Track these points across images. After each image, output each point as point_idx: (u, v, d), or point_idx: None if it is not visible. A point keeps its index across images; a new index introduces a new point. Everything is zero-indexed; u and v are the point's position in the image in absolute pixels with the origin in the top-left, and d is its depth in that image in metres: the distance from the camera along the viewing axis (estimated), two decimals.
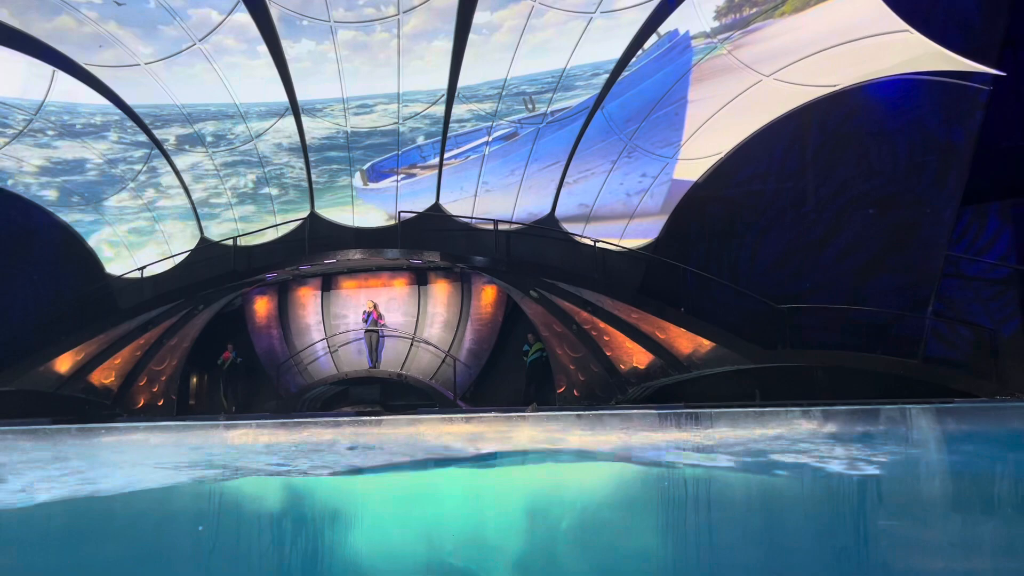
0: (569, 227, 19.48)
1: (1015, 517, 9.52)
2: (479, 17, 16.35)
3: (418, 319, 19.96)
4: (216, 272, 19.44)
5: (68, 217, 20.99)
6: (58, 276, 20.62)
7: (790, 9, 15.45)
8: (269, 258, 19.54)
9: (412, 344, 19.71)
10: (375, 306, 19.38)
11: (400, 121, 18.75)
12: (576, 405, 16.55)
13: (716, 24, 16.15)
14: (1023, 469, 9.89)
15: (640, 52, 16.90)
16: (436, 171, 19.49)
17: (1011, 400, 12.50)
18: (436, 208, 19.76)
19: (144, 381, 19.33)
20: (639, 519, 10.18)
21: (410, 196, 19.86)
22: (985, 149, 14.41)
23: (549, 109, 18.24)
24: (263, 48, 16.96)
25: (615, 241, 18.95)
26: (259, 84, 17.90)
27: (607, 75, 17.37)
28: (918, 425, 10.17)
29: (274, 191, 20.42)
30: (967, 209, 15.03)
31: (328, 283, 20.54)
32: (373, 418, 12.66)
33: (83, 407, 18.31)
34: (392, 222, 19.69)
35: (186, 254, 21.02)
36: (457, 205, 19.77)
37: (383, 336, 19.52)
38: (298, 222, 20.34)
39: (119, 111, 18.53)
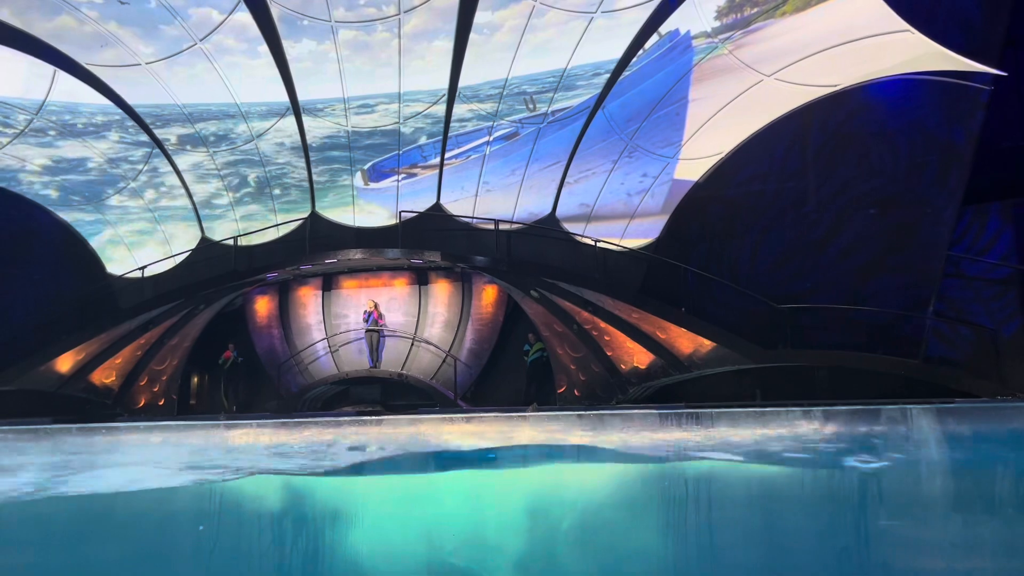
0: (570, 227, 19.48)
1: (1016, 517, 9.52)
2: (480, 17, 16.35)
3: (419, 319, 19.96)
4: (217, 272, 19.45)
5: (69, 217, 21.00)
6: (59, 276, 20.63)
7: (791, 9, 15.44)
8: (270, 258, 19.54)
9: (413, 344, 19.71)
10: (376, 306, 19.39)
11: (401, 121, 18.75)
12: (577, 405, 16.55)
13: (717, 24, 16.14)
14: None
15: (641, 52, 16.90)
16: (437, 171, 19.50)
17: (1012, 400, 12.49)
18: (437, 208, 19.77)
19: (145, 381, 19.34)
20: (642, 519, 10.18)
21: (411, 196, 19.87)
22: (986, 149, 14.40)
23: (550, 109, 18.24)
24: (264, 48, 16.96)
25: (616, 241, 18.95)
26: (260, 84, 17.90)
27: (608, 75, 17.37)
28: (919, 425, 10.17)
29: (275, 191, 20.42)
30: (968, 209, 15.02)
31: (329, 283, 20.55)
32: (374, 418, 12.66)
33: (84, 407, 18.32)
34: (393, 222, 19.69)
35: (187, 254, 21.03)
36: (458, 205, 19.77)
37: (384, 336, 19.52)
38: (299, 222, 20.34)
39: (120, 111, 18.53)
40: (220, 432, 12.58)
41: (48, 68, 17.45)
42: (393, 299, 20.07)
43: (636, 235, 19.15)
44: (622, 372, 17.04)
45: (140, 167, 20.16)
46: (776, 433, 10.82)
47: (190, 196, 20.55)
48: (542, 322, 17.62)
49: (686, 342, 16.19)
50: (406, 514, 10.58)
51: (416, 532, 10.16)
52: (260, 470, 11.80)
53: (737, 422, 11.00)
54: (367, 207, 20.37)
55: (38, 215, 20.59)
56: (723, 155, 17.42)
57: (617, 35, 16.61)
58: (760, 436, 10.91)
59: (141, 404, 19.31)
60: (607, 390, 17.01)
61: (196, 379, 20.53)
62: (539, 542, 9.97)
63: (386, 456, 11.76)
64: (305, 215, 20.30)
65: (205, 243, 20.96)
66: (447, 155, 19.21)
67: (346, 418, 13.39)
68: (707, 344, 15.89)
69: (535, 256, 18.69)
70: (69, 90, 17.95)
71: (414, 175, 19.92)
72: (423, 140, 19.19)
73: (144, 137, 19.24)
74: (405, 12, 16.29)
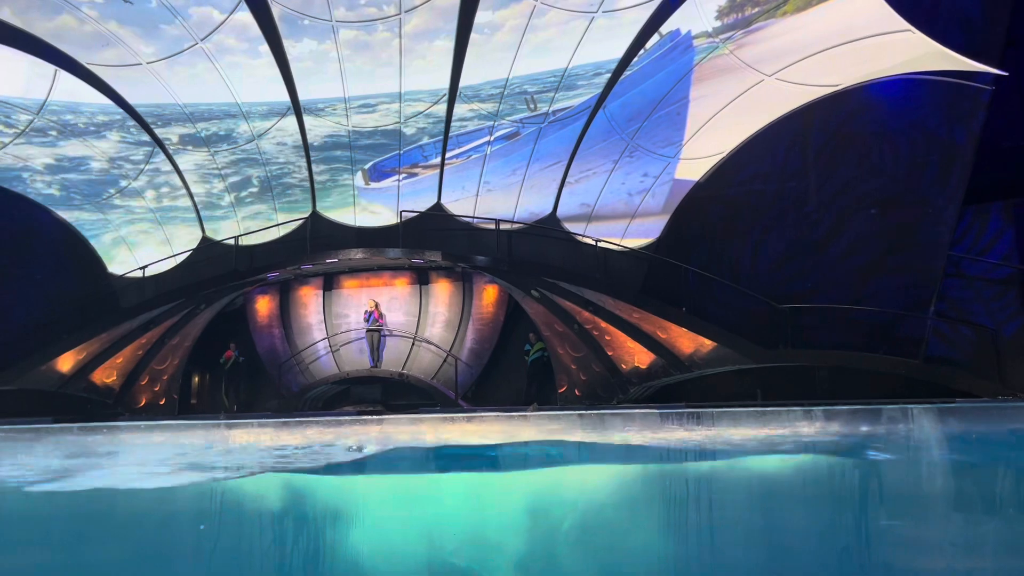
0: (571, 227, 19.48)
1: (1016, 517, 9.52)
2: (481, 16, 16.35)
3: (419, 318, 19.97)
4: (218, 271, 19.46)
5: (70, 216, 21.01)
6: (60, 275, 20.64)
7: (792, 9, 15.43)
8: (271, 257, 19.55)
9: (413, 343, 19.71)
10: (376, 305, 19.39)
11: (402, 121, 18.76)
12: (578, 405, 16.55)
13: (718, 24, 16.14)
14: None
15: (642, 52, 16.89)
16: (438, 170, 19.50)
17: (1013, 400, 12.49)
18: (438, 208, 19.77)
19: (146, 380, 19.35)
20: (642, 518, 10.19)
21: (412, 195, 19.87)
22: (987, 149, 14.40)
23: (551, 109, 18.24)
24: (265, 48, 16.97)
25: (617, 241, 18.95)
26: (261, 83, 17.91)
27: (609, 75, 17.37)
28: (919, 425, 10.17)
29: (276, 190, 20.43)
30: (969, 209, 15.03)
31: (330, 282, 20.55)
32: (374, 417, 12.67)
33: (85, 406, 18.33)
34: (394, 221, 19.69)
35: (188, 253, 21.04)
36: (459, 205, 19.77)
37: (384, 335, 19.53)
38: (300, 221, 20.35)
39: (121, 110, 18.54)
40: (221, 431, 12.59)
41: (49, 67, 17.46)
42: (394, 299, 20.07)
43: (637, 235, 19.16)
44: (623, 372, 17.04)
45: (141, 167, 20.17)
46: (777, 433, 10.83)
47: (191, 196, 20.56)
48: (543, 322, 17.62)
49: (687, 342, 16.20)
50: (406, 514, 10.58)
51: (416, 532, 10.16)
52: (261, 469, 11.80)
53: (738, 422, 11.00)
54: (368, 207, 20.38)
55: (39, 215, 20.60)
56: (724, 155, 17.43)
57: (618, 35, 16.60)
58: (761, 436, 10.91)
59: (142, 403, 19.32)
60: (608, 390, 17.01)
61: (197, 379, 20.53)
62: (540, 542, 9.97)
63: (387, 454, 11.76)
64: (306, 215, 20.30)
65: (206, 243, 20.97)
66: (448, 155, 19.21)
67: (347, 418, 13.40)
68: (708, 344, 15.89)
69: (536, 256, 18.69)
70: (70, 89, 17.96)
71: (415, 175, 19.93)
72: (424, 140, 19.19)
73: (145, 137, 19.24)
74: (406, 12, 16.29)
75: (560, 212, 19.48)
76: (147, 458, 11.79)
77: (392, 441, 11.80)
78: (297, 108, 18.45)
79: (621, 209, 19.26)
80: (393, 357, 19.57)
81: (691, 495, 10.19)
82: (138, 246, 21.58)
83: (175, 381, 19.39)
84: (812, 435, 10.67)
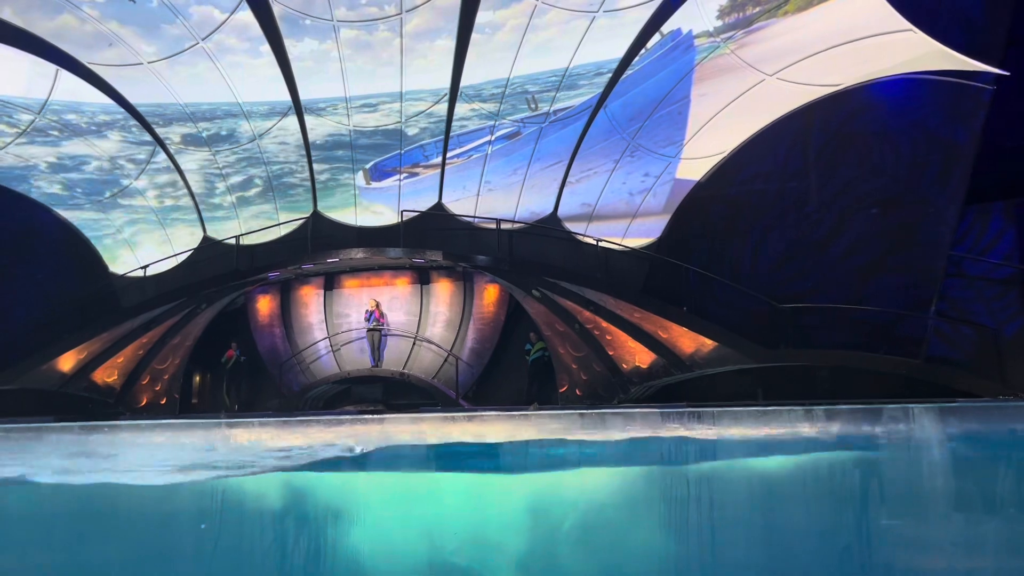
0: (572, 226, 19.49)
1: (1017, 516, 9.51)
2: (482, 16, 16.35)
3: (420, 318, 19.97)
4: (219, 271, 19.48)
5: (71, 215, 21.02)
6: (61, 275, 20.65)
7: (793, 8, 15.43)
8: (272, 257, 19.56)
9: (414, 343, 19.72)
10: (377, 305, 19.39)
11: (403, 120, 18.76)
12: (578, 404, 16.55)
13: (719, 23, 16.13)
14: None
15: (643, 51, 16.89)
16: (439, 170, 19.50)
17: (1014, 400, 12.48)
18: (439, 207, 19.77)
19: (147, 380, 19.36)
20: (643, 518, 10.19)
21: (413, 195, 19.87)
22: (989, 149, 14.38)
23: (552, 108, 18.23)
24: (266, 47, 16.97)
25: (618, 240, 18.95)
26: (262, 83, 17.91)
27: (610, 74, 17.36)
28: (920, 425, 10.16)
29: (277, 190, 20.43)
30: (970, 209, 15.02)
31: (331, 282, 20.56)
32: (375, 417, 12.67)
33: (86, 405, 18.33)
34: (395, 221, 19.69)
35: (189, 253, 21.05)
36: (460, 204, 19.77)
37: (385, 335, 19.53)
38: (301, 221, 20.36)
39: (122, 110, 18.54)
40: (222, 431, 12.59)
41: (50, 67, 17.47)
42: (395, 298, 20.07)
43: (638, 234, 19.16)
44: (624, 371, 17.04)
45: (142, 166, 20.18)
46: (777, 432, 10.82)
47: (192, 195, 20.57)
48: (544, 321, 17.62)
49: (688, 341, 16.20)
50: (407, 513, 10.58)
51: (417, 531, 10.16)
52: (261, 468, 11.81)
53: (739, 421, 11.00)
54: (369, 206, 20.38)
55: (40, 214, 20.61)
56: (725, 155, 17.43)
57: (619, 34, 16.60)
58: (763, 435, 10.91)
59: (143, 403, 19.33)
60: (609, 389, 17.01)
61: (198, 378, 20.54)
62: (540, 541, 9.97)
63: (383, 452, 11.76)
64: (307, 214, 20.31)
65: (207, 242, 20.98)
66: (449, 154, 19.21)
67: (347, 417, 13.40)
68: (709, 343, 15.89)
69: (537, 255, 18.69)
70: (71, 89, 17.97)
71: (416, 174, 19.93)
72: (426, 139, 19.20)
73: (146, 136, 19.24)
74: (407, 11, 16.29)
75: (561, 212, 19.48)
76: (147, 456, 11.80)
77: (391, 440, 11.80)
78: (298, 108, 18.46)
79: (622, 209, 19.26)
80: (394, 357, 19.58)
81: (692, 495, 10.19)
82: (139, 246, 21.59)
83: (176, 380, 19.40)
84: (813, 435, 10.66)
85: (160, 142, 19.40)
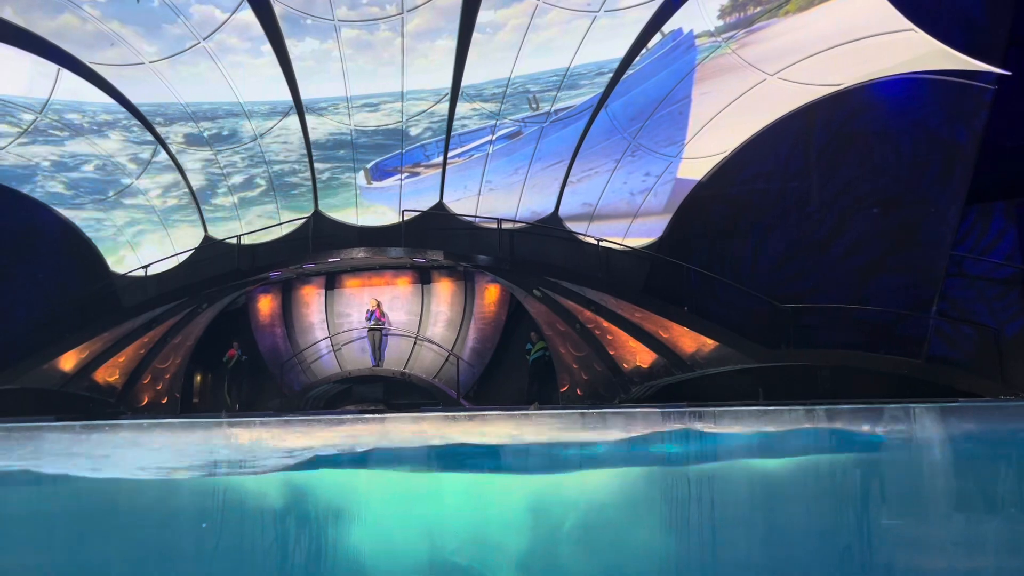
0: (573, 226, 19.48)
1: (1018, 517, 9.51)
2: (483, 16, 16.35)
3: (421, 318, 19.97)
4: (220, 270, 19.48)
5: (72, 215, 21.03)
6: (62, 274, 20.66)
7: (794, 8, 15.42)
8: (273, 256, 19.57)
9: (415, 343, 19.72)
10: (378, 304, 19.40)
11: (404, 120, 18.76)
12: (579, 404, 16.55)
13: (720, 23, 16.13)
14: None
15: (644, 51, 16.89)
16: (440, 170, 19.50)
17: (1015, 400, 12.48)
18: (440, 207, 19.77)
19: (148, 379, 19.37)
20: (644, 518, 10.19)
21: (414, 195, 19.87)
22: (990, 148, 14.38)
23: (553, 108, 18.24)
24: (267, 47, 16.98)
25: (619, 240, 18.95)
26: (263, 83, 17.92)
27: (611, 74, 17.36)
28: (921, 425, 10.16)
29: (278, 189, 20.44)
30: (971, 208, 15.02)
31: (332, 281, 20.56)
32: (376, 416, 12.67)
33: (87, 405, 18.34)
34: (396, 221, 19.70)
35: (190, 252, 21.06)
36: (461, 204, 19.77)
37: (386, 335, 19.54)
38: (302, 220, 20.36)
39: (124, 109, 18.55)
40: (223, 430, 12.60)
41: (52, 67, 17.48)
42: (396, 298, 20.08)
43: (639, 234, 19.16)
44: (625, 371, 17.04)
45: (143, 166, 20.19)
46: (778, 432, 10.82)
47: (193, 195, 20.58)
48: (545, 321, 17.62)
49: (689, 341, 16.19)
50: (408, 512, 10.59)
51: (418, 530, 10.17)
52: (263, 468, 11.81)
53: (740, 421, 10.99)
54: (370, 206, 20.39)
55: (41, 213, 20.62)
56: (726, 154, 17.42)
57: (620, 34, 16.60)
58: (763, 435, 10.90)
59: (144, 402, 19.34)
60: (610, 389, 17.01)
61: (199, 377, 20.55)
62: (541, 541, 9.98)
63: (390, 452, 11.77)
64: (308, 214, 20.32)
65: (208, 242, 20.98)
66: (450, 154, 19.21)
67: (349, 416, 13.41)
68: (710, 343, 15.89)
69: (538, 255, 18.69)
70: (73, 88, 17.98)
71: (417, 174, 19.93)
72: (427, 139, 19.20)
73: (148, 136, 19.25)
74: (408, 11, 16.30)
75: (562, 211, 19.48)
76: (148, 455, 11.81)
77: (391, 439, 11.81)
78: (299, 107, 18.47)
79: (623, 208, 19.25)
80: (395, 356, 19.58)
81: (693, 495, 10.19)
82: (140, 245, 21.60)
83: (177, 380, 19.41)
84: (814, 435, 10.66)
85: (161, 142, 19.41)
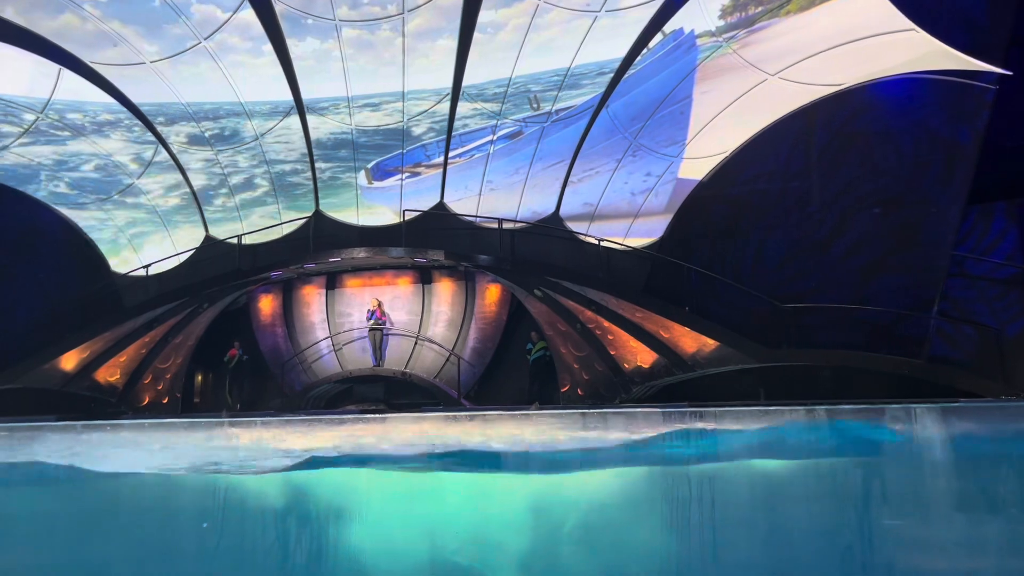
0: (573, 226, 19.48)
1: (1019, 517, 9.50)
2: (484, 16, 16.35)
3: (422, 317, 19.98)
4: (221, 270, 19.48)
5: (73, 215, 21.04)
6: (63, 274, 20.67)
7: (796, 8, 15.42)
8: (274, 256, 19.57)
9: (416, 342, 19.73)
10: (379, 304, 19.41)
11: (405, 120, 18.76)
12: (580, 404, 16.55)
13: (721, 23, 16.12)
14: None
15: (645, 51, 16.88)
16: (441, 170, 19.50)
17: (1016, 400, 12.47)
18: (440, 207, 19.78)
19: (149, 379, 19.38)
20: (644, 518, 10.19)
21: (415, 195, 19.88)
22: (991, 149, 14.37)
23: (554, 108, 18.23)
24: (268, 47, 16.98)
25: (619, 240, 18.95)
26: (264, 82, 17.92)
27: (612, 74, 17.36)
28: (922, 425, 10.15)
29: (279, 189, 20.44)
30: (973, 209, 15.01)
31: (332, 281, 20.57)
32: (377, 416, 12.67)
33: (89, 405, 18.36)
34: (397, 221, 19.70)
35: (191, 252, 21.06)
36: (461, 204, 19.78)
37: (387, 334, 19.54)
38: (303, 220, 20.37)
39: (125, 109, 18.56)
40: (224, 430, 12.60)
41: (53, 66, 17.48)
42: (397, 298, 20.08)
43: (640, 234, 19.15)
44: (625, 371, 17.03)
45: (144, 165, 20.20)
46: (779, 432, 10.82)
47: (194, 194, 20.58)
48: (546, 321, 17.62)
49: (689, 341, 16.19)
50: (409, 512, 10.59)
51: (419, 530, 10.17)
52: (263, 468, 11.82)
53: (741, 421, 10.99)
54: (371, 206, 20.39)
55: (42, 213, 20.62)
56: (727, 154, 17.42)
57: (621, 34, 16.59)
58: (764, 435, 10.90)
59: (145, 402, 19.35)
60: (611, 389, 17.01)
61: (200, 377, 20.57)
62: (542, 541, 9.97)
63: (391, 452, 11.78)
64: (309, 214, 20.32)
65: (209, 241, 20.99)
66: (451, 154, 19.21)
67: (350, 416, 13.41)
68: (711, 343, 15.88)
69: (539, 255, 18.69)
70: (74, 88, 17.98)
71: (418, 174, 19.93)
72: (429, 139, 19.20)
73: (148, 135, 19.26)
74: (409, 11, 16.30)
75: (563, 211, 19.48)
76: (152, 455, 11.81)
77: (392, 439, 11.81)
78: (300, 107, 18.47)
79: (624, 208, 19.25)
80: (396, 356, 19.59)
81: (694, 495, 10.18)
82: (141, 245, 21.61)
83: (178, 380, 19.43)
84: (814, 435, 10.65)
85: (163, 141, 19.42)
